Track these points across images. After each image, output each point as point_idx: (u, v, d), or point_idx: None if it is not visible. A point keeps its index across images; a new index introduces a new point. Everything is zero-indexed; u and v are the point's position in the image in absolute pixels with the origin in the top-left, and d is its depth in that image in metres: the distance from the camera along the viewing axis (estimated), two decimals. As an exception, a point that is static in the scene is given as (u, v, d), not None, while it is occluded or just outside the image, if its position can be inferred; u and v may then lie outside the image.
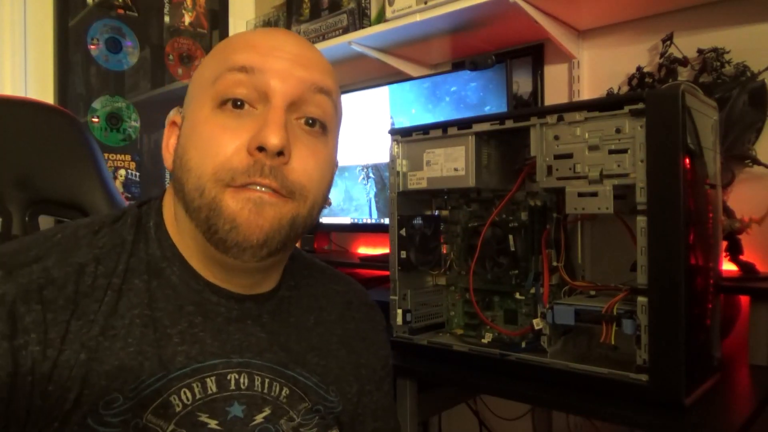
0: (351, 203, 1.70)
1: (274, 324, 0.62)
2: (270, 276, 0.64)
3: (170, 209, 0.60)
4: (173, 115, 0.62)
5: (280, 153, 0.53)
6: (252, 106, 0.55)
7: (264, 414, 0.57)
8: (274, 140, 0.52)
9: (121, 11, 1.85)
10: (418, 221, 1.01)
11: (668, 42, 1.28)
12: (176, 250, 0.59)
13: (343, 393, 0.66)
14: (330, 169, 0.61)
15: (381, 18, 1.54)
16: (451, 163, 0.93)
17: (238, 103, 0.54)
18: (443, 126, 0.94)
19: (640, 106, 0.74)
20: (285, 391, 0.60)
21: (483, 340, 0.95)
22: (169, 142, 0.61)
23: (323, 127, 0.58)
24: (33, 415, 0.49)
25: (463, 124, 0.92)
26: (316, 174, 0.57)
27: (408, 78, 1.64)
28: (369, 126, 1.66)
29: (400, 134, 1.00)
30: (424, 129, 0.97)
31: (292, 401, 0.60)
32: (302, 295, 0.68)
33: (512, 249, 0.91)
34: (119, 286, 0.55)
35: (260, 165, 0.53)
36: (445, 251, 1.04)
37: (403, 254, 0.98)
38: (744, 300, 1.00)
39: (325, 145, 0.59)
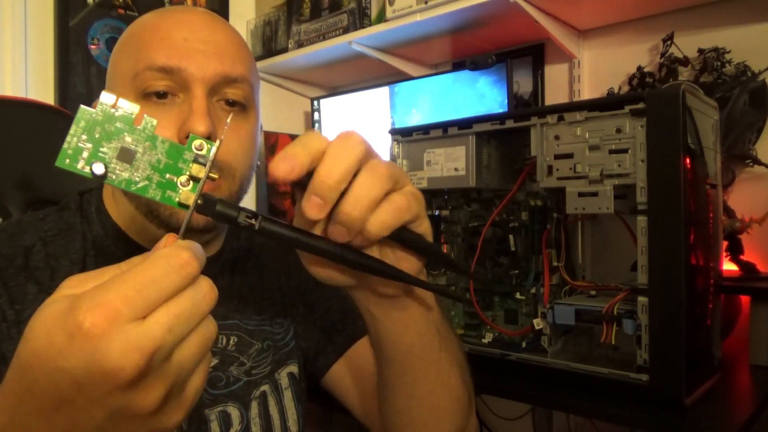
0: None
1: (216, 285, 0.66)
2: (211, 244, 0.68)
3: (109, 194, 0.65)
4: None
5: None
6: (174, 95, 0.59)
7: (212, 364, 0.61)
8: (201, 128, 0.55)
9: (121, 11, 1.85)
10: (418, 221, 1.00)
11: (669, 42, 1.28)
12: (118, 227, 0.64)
13: (291, 318, 0.70)
14: (253, 142, 0.65)
15: (381, 18, 1.54)
16: (451, 163, 0.93)
17: (161, 93, 0.58)
18: (443, 126, 0.94)
19: (641, 105, 0.74)
20: (233, 339, 0.65)
21: (483, 340, 0.95)
22: None
23: (243, 106, 0.62)
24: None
25: (464, 123, 0.92)
26: (240, 151, 0.62)
27: (408, 78, 1.64)
28: (369, 125, 1.66)
29: (401, 134, 1.00)
30: (425, 129, 0.96)
31: (241, 347, 0.65)
32: (248, 257, 0.73)
33: (512, 249, 0.91)
34: (81, 261, 0.60)
35: None
36: (445, 251, 1.03)
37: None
38: (744, 300, 1.00)
39: (245, 120, 0.63)
